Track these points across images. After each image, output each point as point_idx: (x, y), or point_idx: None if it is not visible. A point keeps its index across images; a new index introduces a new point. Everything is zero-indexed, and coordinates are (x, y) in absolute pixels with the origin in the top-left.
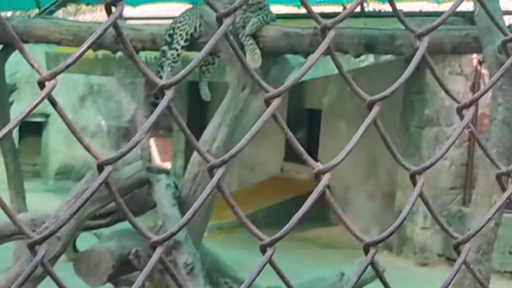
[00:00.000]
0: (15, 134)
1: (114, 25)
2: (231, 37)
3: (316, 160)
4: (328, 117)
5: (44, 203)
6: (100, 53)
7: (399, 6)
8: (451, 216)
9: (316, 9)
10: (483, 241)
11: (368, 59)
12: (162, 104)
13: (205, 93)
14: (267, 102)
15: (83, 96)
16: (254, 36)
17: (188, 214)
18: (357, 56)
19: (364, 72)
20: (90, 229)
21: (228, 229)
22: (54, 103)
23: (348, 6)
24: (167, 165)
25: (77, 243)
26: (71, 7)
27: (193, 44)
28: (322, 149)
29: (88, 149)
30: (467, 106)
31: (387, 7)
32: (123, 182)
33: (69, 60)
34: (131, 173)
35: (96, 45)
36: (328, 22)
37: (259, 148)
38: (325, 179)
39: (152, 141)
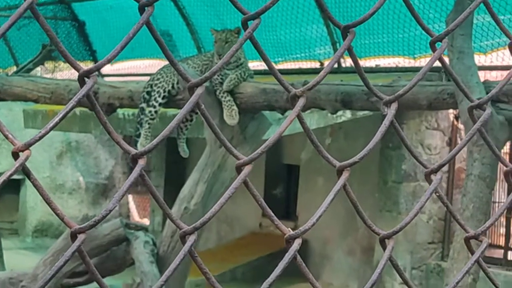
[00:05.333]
0: None
1: (87, 96)
2: (202, 106)
3: (295, 215)
4: (306, 172)
5: (22, 261)
6: (78, 110)
7: (376, 61)
8: (429, 270)
9: (294, 65)
10: None
11: (346, 114)
12: (135, 172)
13: (183, 150)
14: (238, 169)
15: (61, 153)
16: (232, 92)
17: (163, 277)
18: (334, 112)
19: (341, 127)
20: (69, 287)
21: (206, 285)
22: (27, 173)
23: (325, 62)
24: (145, 221)
25: None
26: (49, 65)
27: (170, 100)
28: (301, 204)
29: (61, 218)
30: (434, 171)
31: (364, 63)
32: (101, 239)
33: (43, 131)
34: (110, 230)
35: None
36: (298, 90)
37: (238, 204)
38: (295, 245)
39: (130, 198)
